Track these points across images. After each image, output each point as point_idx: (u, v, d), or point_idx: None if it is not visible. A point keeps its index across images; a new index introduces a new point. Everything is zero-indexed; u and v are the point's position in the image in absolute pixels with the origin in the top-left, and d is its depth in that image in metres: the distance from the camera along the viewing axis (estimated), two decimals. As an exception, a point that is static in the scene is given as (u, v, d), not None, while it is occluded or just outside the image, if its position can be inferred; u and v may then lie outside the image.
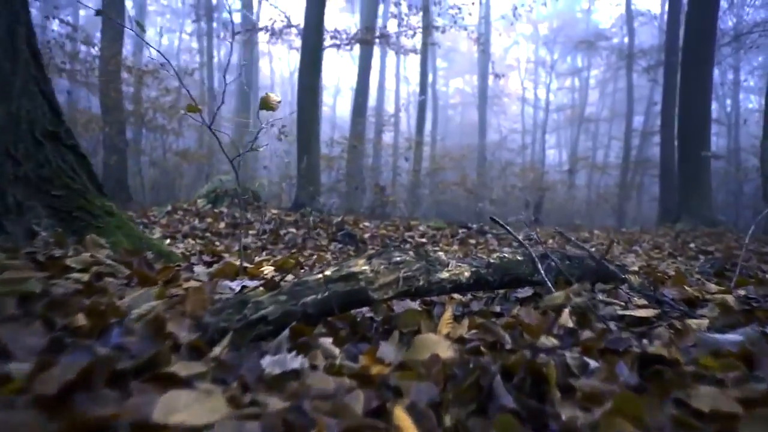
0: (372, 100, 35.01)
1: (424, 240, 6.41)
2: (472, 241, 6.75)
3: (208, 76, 24.82)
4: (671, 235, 10.55)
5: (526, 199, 16.68)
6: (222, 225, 6.29)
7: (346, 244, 6.02)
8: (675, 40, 19.90)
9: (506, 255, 2.11)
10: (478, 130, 29.02)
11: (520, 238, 6.80)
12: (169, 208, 7.31)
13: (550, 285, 2.01)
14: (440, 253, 1.93)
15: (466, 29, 16.72)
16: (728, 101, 31.74)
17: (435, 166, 20.01)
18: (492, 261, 2.01)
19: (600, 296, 2.14)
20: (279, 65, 41.84)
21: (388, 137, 27.90)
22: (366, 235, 6.36)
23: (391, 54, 39.15)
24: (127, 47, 24.01)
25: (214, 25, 25.57)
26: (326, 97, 41.06)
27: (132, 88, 16.33)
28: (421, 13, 17.73)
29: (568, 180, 22.70)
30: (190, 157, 15.83)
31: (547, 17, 37.27)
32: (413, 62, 38.57)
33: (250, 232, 6.13)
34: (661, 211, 18.84)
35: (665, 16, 23.52)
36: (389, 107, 32.84)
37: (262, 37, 22.76)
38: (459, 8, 16.53)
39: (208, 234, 5.94)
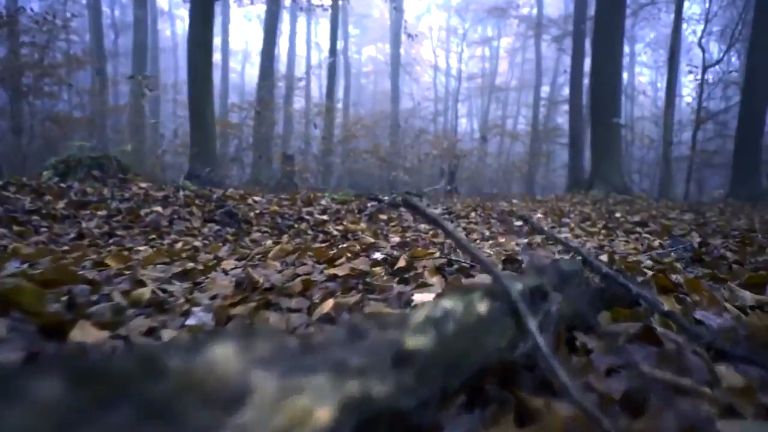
0: (282, 66, 33.04)
1: (325, 217, 5.17)
2: (383, 217, 5.58)
3: (96, 34, 22.10)
4: (589, 203, 9.86)
5: (441, 168, 15.72)
6: (61, 204, 4.76)
7: (224, 225, 4.68)
8: (584, 9, 19.41)
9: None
10: (390, 97, 27.86)
11: (438, 210, 5.49)
12: (1, 182, 5.65)
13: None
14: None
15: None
16: (625, 74, 32.17)
17: (347, 133, 18.67)
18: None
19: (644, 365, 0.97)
20: (182, 27, 38.77)
21: (298, 104, 26.26)
22: (253, 213, 5.04)
23: (302, 19, 37.16)
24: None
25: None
26: (234, 63, 38.58)
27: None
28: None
29: (481, 147, 21.99)
30: (65, 122, 13.68)
31: (458, -15, 36.37)
32: (324, 28, 36.77)
33: (99, 212, 4.65)
34: (570, 178, 18.49)
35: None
36: (300, 74, 31.05)
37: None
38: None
39: (35, 217, 4.41)
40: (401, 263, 2.21)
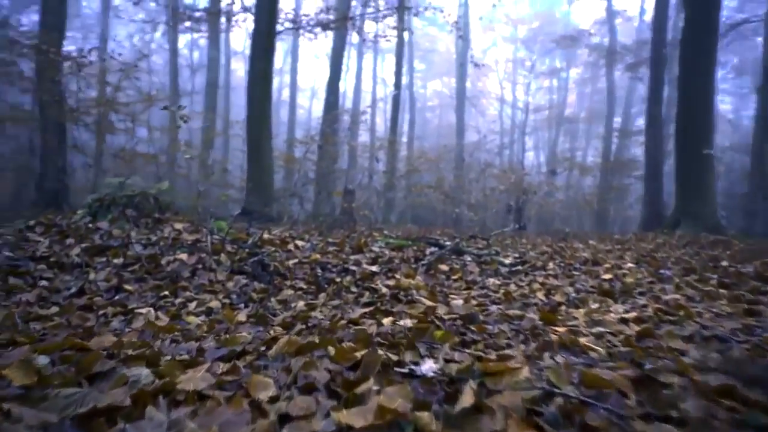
0: (348, 102, 32.92)
1: (374, 268, 4.28)
2: (444, 268, 4.64)
3: (172, 72, 22.48)
4: (677, 245, 8.54)
5: (508, 204, 14.60)
6: (77, 250, 4.09)
7: (254, 277, 3.87)
8: (663, 34, 18.04)
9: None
10: (455, 131, 27.00)
11: (509, 260, 4.46)
12: (31, 223, 5.08)
13: None
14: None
15: (442, 11, 14.57)
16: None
17: (410, 167, 17.86)
18: None
19: None
20: (254, 66, 39.57)
21: (363, 138, 25.80)
22: (292, 263, 4.23)
23: (369, 56, 37.15)
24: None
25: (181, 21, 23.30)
26: (302, 99, 38.87)
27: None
28: None
29: (549, 181, 20.64)
30: (130, 158, 13.51)
31: (526, 18, 35.43)
32: (390, 63, 36.58)
33: (115, 260, 3.94)
34: (646, 215, 16.92)
35: (646, 13, 21.92)
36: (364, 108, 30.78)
37: (236, 37, 20.65)
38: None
39: (42, 266, 3.75)
40: (467, 398, 1.28)
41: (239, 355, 1.84)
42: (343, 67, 26.44)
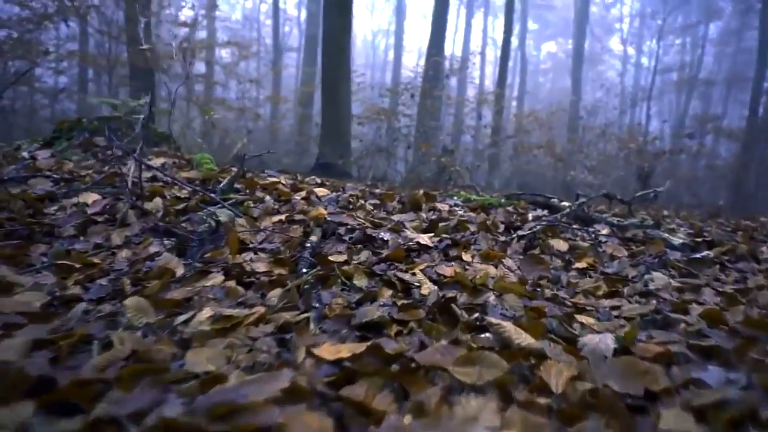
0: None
1: (424, 239, 2.17)
2: (559, 245, 2.44)
3: (274, 27, 21.08)
4: None
5: (639, 166, 11.64)
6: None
7: (182, 244, 1.89)
8: None
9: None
10: (571, 91, 23.68)
11: (677, 234, 2.11)
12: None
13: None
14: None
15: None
16: None
17: (518, 126, 15.21)
18: None
19: None
20: (361, 28, 37.71)
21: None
22: (272, 221, 2.25)
23: (479, 15, 33.99)
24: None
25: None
26: (408, 60, 36.48)
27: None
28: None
29: (690, 146, 16.84)
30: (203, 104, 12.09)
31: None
32: (501, 24, 33.03)
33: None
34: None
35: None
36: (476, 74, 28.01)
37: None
38: None
39: None
40: None
41: None
42: (450, 26, 23.91)
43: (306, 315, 1.40)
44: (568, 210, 3.06)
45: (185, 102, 12.79)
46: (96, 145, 3.55)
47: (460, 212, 2.99)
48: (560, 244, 2.50)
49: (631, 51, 32.33)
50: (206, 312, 1.36)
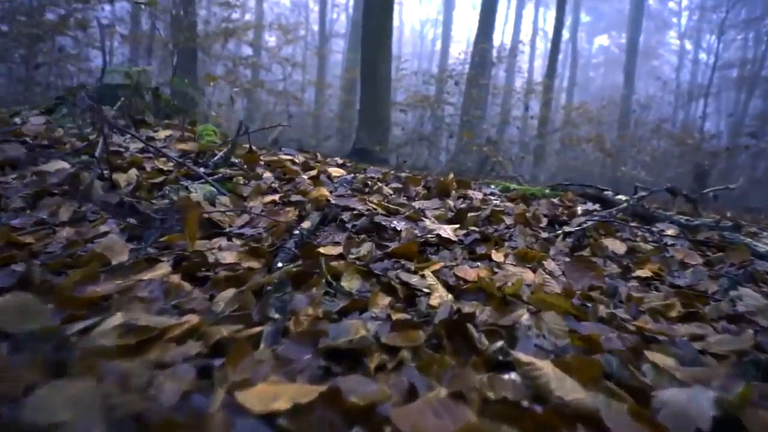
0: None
1: (446, 232, 1.72)
2: (615, 247, 1.94)
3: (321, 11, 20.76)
4: None
5: (698, 164, 10.77)
6: None
7: (142, 227, 1.50)
8: None
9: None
10: (623, 84, 22.57)
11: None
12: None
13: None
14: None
15: None
16: None
17: (566, 120, 14.41)
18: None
19: None
20: (409, 18, 37.01)
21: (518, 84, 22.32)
22: (263, 201, 1.84)
23: (529, 6, 32.82)
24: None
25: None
26: (455, 50, 35.59)
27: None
28: None
29: (753, 144, 15.58)
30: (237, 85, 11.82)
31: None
32: (553, 17, 31.70)
33: None
34: None
35: None
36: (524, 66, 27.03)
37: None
38: None
39: None
40: None
41: None
42: (500, 17, 23.03)
43: (258, 329, 0.98)
44: (625, 204, 2.55)
45: (228, 84, 12.59)
46: (92, 111, 3.22)
47: (495, 202, 2.52)
48: (616, 245, 2.00)
49: (688, 46, 30.64)
50: (116, 319, 0.95)
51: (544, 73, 17.52)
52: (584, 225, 2.11)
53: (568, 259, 1.82)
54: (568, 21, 26.43)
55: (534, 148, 13.35)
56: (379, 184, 2.44)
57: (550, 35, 29.29)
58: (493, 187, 3.09)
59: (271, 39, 16.48)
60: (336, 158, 3.59)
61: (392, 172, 3.15)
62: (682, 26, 31.10)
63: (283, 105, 14.15)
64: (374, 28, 8.00)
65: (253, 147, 2.86)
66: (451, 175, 2.75)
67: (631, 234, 2.25)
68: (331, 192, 2.09)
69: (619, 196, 2.85)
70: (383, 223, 1.83)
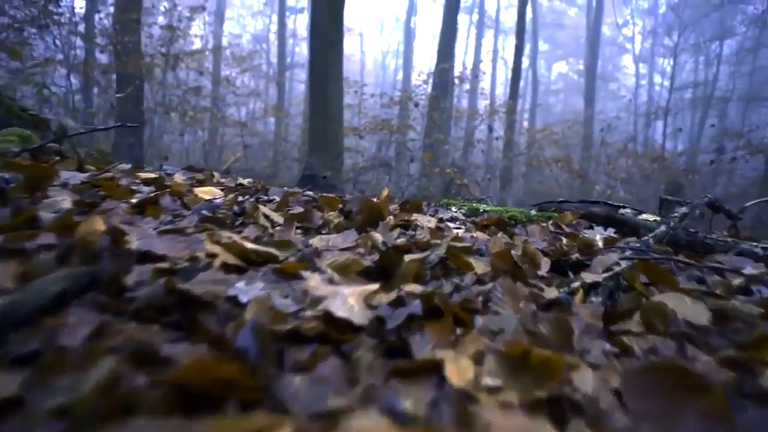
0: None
1: (344, 313, 0.75)
2: (686, 307, 0.97)
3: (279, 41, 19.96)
4: None
5: (673, 182, 10.06)
6: None
7: None
8: None
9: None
10: (584, 104, 22.27)
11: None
12: None
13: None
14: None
15: None
16: None
17: (531, 140, 13.68)
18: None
19: None
20: (371, 50, 36.66)
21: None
22: (147, 269, 0.85)
23: (489, 34, 32.66)
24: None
25: None
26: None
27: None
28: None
29: (722, 160, 15.00)
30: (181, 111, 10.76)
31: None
32: (512, 43, 31.35)
33: None
34: None
35: None
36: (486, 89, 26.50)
37: None
38: None
39: None
40: None
41: None
42: (460, 46, 22.48)
43: None
44: (663, 229, 1.58)
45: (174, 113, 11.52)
46: None
47: (457, 231, 1.52)
48: (687, 307, 1.02)
49: (643, 70, 30.83)
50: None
51: (506, 96, 16.93)
52: (616, 269, 1.12)
53: (608, 346, 0.83)
54: (527, 49, 26.17)
55: (501, 169, 12.52)
56: (264, 210, 1.43)
57: (510, 63, 29.03)
58: (454, 209, 2.10)
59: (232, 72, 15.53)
60: (245, 178, 2.56)
61: (303, 192, 2.13)
62: (636, 50, 31.31)
63: (241, 135, 13.12)
64: (322, 41, 7.06)
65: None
66: (386, 192, 1.72)
67: (692, 277, 1.28)
68: (144, 226, 1.06)
69: (645, 216, 1.90)
70: (211, 290, 0.80)
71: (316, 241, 1.18)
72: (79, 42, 10.60)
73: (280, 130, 14.84)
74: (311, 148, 7.31)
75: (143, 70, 10.04)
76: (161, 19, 11.66)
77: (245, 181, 2.40)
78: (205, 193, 1.56)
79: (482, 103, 19.10)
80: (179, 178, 2.00)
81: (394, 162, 11.04)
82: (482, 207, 2.16)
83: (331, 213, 1.49)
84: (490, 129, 12.65)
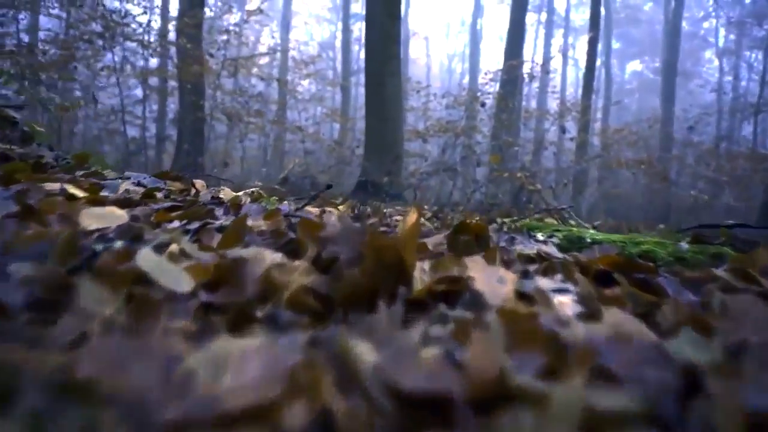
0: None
1: None
2: None
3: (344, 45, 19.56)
4: None
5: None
6: None
7: None
8: None
9: None
10: (661, 105, 20.37)
11: None
12: None
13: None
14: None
15: None
16: None
17: (606, 141, 12.39)
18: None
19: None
20: (437, 53, 35.75)
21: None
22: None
23: (557, 34, 30.98)
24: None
25: None
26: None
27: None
28: None
29: None
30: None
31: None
32: (583, 44, 29.26)
33: None
34: None
35: None
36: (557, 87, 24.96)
37: None
38: None
39: None
40: None
41: None
42: (528, 46, 21.20)
43: None
44: None
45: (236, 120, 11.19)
46: None
47: (565, 314, 0.70)
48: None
49: (725, 66, 28.20)
50: None
51: (578, 96, 15.64)
52: None
53: None
54: (600, 46, 24.39)
55: (575, 174, 11.34)
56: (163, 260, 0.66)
57: (581, 63, 27.25)
58: (541, 236, 1.30)
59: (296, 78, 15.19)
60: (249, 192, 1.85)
61: (295, 211, 1.38)
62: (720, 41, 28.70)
63: (302, 141, 12.66)
64: (377, 36, 6.35)
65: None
66: (414, 218, 0.87)
67: None
68: None
69: None
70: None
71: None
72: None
73: (344, 135, 14.29)
74: (367, 151, 6.62)
75: (203, 76, 9.75)
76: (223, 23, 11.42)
77: (241, 194, 1.70)
78: (97, 218, 0.86)
79: (552, 104, 17.81)
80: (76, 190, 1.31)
81: (459, 166, 10.13)
82: (588, 234, 1.34)
83: (297, 262, 0.72)
84: (563, 130, 11.51)
